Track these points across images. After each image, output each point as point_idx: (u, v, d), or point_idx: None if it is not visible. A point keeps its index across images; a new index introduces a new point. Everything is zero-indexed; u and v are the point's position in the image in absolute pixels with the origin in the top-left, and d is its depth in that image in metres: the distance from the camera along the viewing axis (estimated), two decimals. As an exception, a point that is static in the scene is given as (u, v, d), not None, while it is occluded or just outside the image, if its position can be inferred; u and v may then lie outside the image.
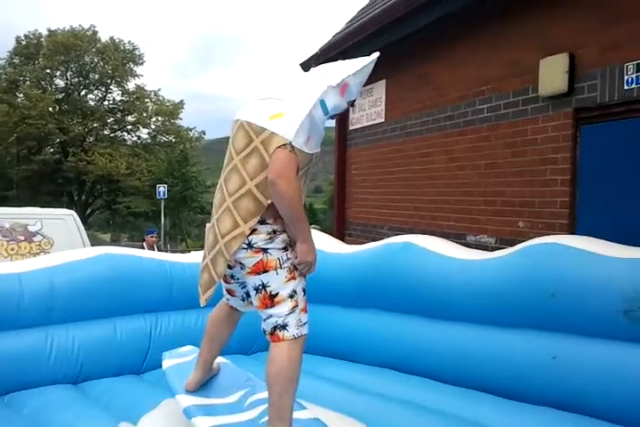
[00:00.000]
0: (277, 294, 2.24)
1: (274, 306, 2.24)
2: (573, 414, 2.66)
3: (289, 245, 2.27)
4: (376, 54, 2.51)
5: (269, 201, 2.21)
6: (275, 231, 2.25)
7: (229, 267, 2.39)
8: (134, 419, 2.68)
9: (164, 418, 2.65)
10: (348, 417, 2.69)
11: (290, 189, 2.15)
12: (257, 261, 2.24)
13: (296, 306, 2.26)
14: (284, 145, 2.16)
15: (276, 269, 2.23)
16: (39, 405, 2.89)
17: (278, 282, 2.24)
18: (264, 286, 2.24)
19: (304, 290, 2.33)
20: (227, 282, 2.52)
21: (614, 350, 2.63)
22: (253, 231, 2.23)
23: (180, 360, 2.94)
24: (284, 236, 2.26)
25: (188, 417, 2.44)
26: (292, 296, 2.25)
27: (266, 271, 2.23)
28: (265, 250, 2.23)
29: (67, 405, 2.88)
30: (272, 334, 2.24)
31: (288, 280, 2.25)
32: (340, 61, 2.55)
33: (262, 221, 2.24)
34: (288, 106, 2.24)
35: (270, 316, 2.24)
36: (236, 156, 2.30)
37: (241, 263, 2.29)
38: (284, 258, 2.24)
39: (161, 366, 3.42)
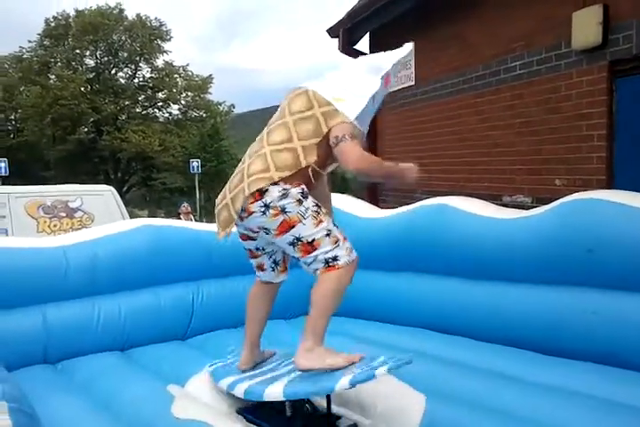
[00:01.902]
0: (314, 239, 2.29)
1: (316, 248, 2.29)
2: (614, 367, 2.65)
3: (303, 196, 2.31)
4: (410, 45, 2.74)
5: (307, 164, 2.32)
6: (285, 189, 2.28)
7: (251, 238, 2.48)
8: (182, 381, 2.77)
9: (210, 379, 2.72)
10: (390, 376, 2.73)
11: (373, 167, 2.35)
12: (280, 223, 2.28)
13: (338, 240, 2.32)
14: (347, 123, 2.33)
15: (301, 222, 2.28)
16: (90, 371, 3.01)
17: (309, 230, 2.29)
18: (298, 239, 2.30)
19: (336, 225, 2.39)
20: (254, 256, 2.59)
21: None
22: (265, 192, 2.27)
23: (222, 362, 2.91)
24: (296, 189, 2.30)
25: (229, 390, 2.51)
26: (328, 235, 2.31)
27: (293, 227, 2.28)
28: (282, 210, 2.26)
29: (116, 370, 2.99)
30: (326, 267, 2.30)
31: (317, 225, 2.30)
32: (381, 54, 2.77)
33: (274, 183, 2.29)
34: (349, 95, 2.43)
35: (316, 256, 2.30)
36: (289, 115, 2.41)
37: (265, 228, 2.35)
38: (303, 210, 2.28)
39: (204, 333, 3.56)
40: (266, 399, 2.29)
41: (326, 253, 2.29)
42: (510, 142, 5.23)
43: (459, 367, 2.86)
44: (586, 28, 4.27)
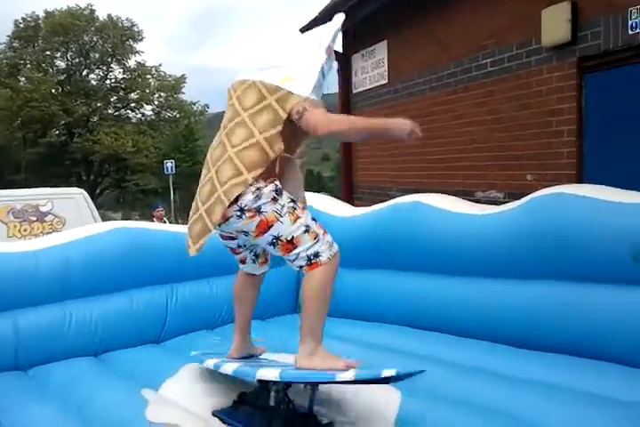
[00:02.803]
0: (293, 237, 2.26)
1: (297, 246, 2.27)
2: (587, 359, 2.69)
3: (277, 193, 2.28)
4: (341, 16, 2.63)
5: (276, 154, 2.26)
6: (258, 188, 2.25)
7: (232, 238, 2.45)
8: (156, 385, 2.73)
9: (185, 382, 2.69)
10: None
11: (346, 126, 2.29)
12: (258, 223, 2.25)
13: (317, 235, 2.30)
14: (303, 100, 2.27)
15: (278, 220, 2.25)
16: (63, 377, 2.95)
17: (288, 228, 2.26)
18: (278, 238, 2.27)
19: (314, 219, 2.36)
20: (236, 253, 2.58)
21: (625, 295, 2.64)
22: (239, 196, 2.22)
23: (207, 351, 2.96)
24: (269, 187, 2.26)
25: (216, 368, 2.51)
26: (307, 231, 2.28)
27: (271, 226, 2.25)
28: (258, 210, 2.23)
29: (89, 376, 2.94)
30: (309, 264, 2.28)
31: (295, 221, 2.27)
32: (316, 29, 2.72)
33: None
34: (298, 72, 2.36)
35: (298, 254, 2.28)
36: (243, 112, 2.33)
37: (243, 231, 2.33)
38: (279, 207, 2.25)
39: (179, 335, 3.53)
40: (258, 378, 2.25)
41: (307, 249, 2.27)
42: (483, 138, 5.27)
43: (434, 363, 2.85)
44: (555, 24, 4.31)
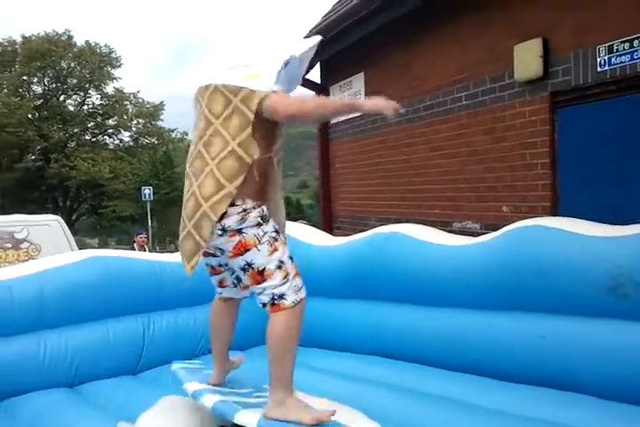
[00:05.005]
0: (265, 268, 2.25)
1: (265, 280, 2.25)
2: (563, 391, 2.71)
3: (262, 220, 2.28)
4: (318, 37, 2.59)
5: (253, 158, 2.23)
6: (245, 210, 2.25)
7: (213, 255, 2.43)
8: (132, 418, 2.69)
9: (161, 415, 2.66)
10: (343, 405, 2.72)
11: (304, 109, 2.25)
12: (236, 244, 2.25)
13: (287, 274, 2.27)
14: (266, 95, 2.23)
15: (256, 246, 2.24)
16: (36, 409, 2.89)
17: (262, 257, 2.25)
18: (250, 265, 2.26)
19: (290, 258, 2.34)
20: (216, 273, 2.56)
21: (601, 328, 2.68)
22: (224, 215, 2.23)
23: (189, 365, 2.94)
24: (255, 212, 2.26)
25: (196, 399, 2.47)
26: (280, 267, 2.27)
27: (247, 250, 2.24)
28: (239, 231, 2.23)
29: (63, 408, 2.88)
30: (272, 305, 2.25)
31: (271, 253, 2.26)
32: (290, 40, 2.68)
33: (231, 204, 2.23)
34: (259, 68, 2.33)
35: (264, 289, 2.26)
36: (215, 120, 2.31)
37: (220, 249, 2.32)
38: (261, 233, 2.25)
39: (156, 366, 3.48)
40: (236, 422, 2.24)
41: (274, 287, 2.24)
42: (459, 170, 5.35)
43: (412, 394, 2.86)
44: (527, 60, 4.44)
